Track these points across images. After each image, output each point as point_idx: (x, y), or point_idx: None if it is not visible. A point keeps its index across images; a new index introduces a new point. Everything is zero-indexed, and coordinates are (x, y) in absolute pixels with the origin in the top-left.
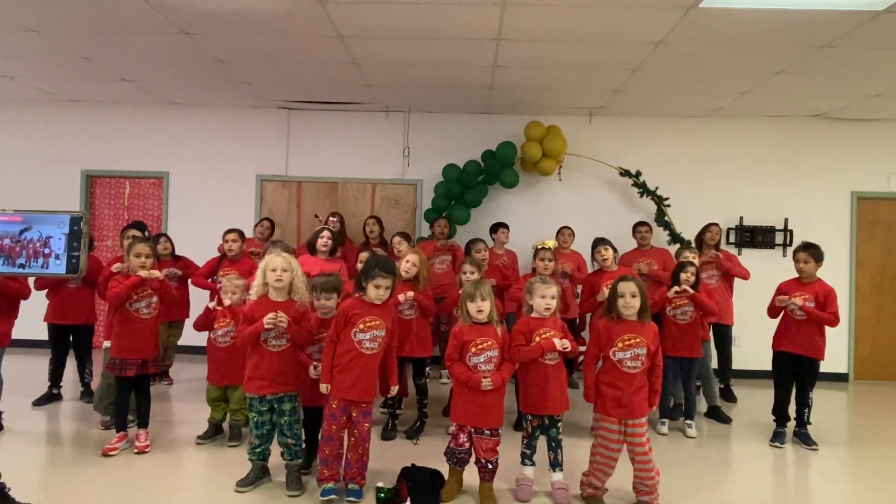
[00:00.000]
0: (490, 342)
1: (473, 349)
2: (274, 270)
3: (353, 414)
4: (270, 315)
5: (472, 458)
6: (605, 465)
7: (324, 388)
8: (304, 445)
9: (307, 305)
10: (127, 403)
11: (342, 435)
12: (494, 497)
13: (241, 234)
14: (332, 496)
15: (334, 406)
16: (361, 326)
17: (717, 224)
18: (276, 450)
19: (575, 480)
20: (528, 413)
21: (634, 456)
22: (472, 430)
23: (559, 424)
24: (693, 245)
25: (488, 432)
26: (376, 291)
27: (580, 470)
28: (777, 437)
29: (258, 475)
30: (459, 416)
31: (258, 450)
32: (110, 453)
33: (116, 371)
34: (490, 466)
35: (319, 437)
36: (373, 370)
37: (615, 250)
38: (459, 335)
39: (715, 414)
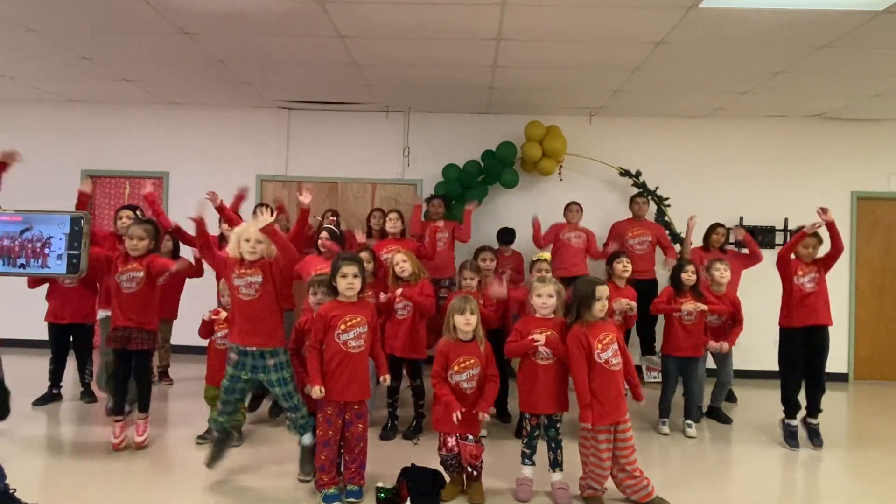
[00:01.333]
0: (473, 360)
1: (456, 367)
2: (248, 241)
3: (347, 416)
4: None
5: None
6: (601, 469)
7: (316, 391)
8: (307, 415)
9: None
10: (124, 384)
11: (338, 439)
12: (482, 493)
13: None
14: (337, 502)
15: (329, 412)
16: (343, 327)
17: (722, 224)
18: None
19: (575, 480)
20: (524, 412)
21: (626, 454)
22: (458, 435)
23: (558, 425)
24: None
25: (471, 438)
26: (344, 281)
27: (581, 469)
28: (792, 438)
29: (220, 446)
30: (441, 425)
31: (221, 418)
32: (120, 447)
33: (111, 342)
34: (476, 473)
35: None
36: (363, 368)
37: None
38: (445, 352)
39: (715, 414)
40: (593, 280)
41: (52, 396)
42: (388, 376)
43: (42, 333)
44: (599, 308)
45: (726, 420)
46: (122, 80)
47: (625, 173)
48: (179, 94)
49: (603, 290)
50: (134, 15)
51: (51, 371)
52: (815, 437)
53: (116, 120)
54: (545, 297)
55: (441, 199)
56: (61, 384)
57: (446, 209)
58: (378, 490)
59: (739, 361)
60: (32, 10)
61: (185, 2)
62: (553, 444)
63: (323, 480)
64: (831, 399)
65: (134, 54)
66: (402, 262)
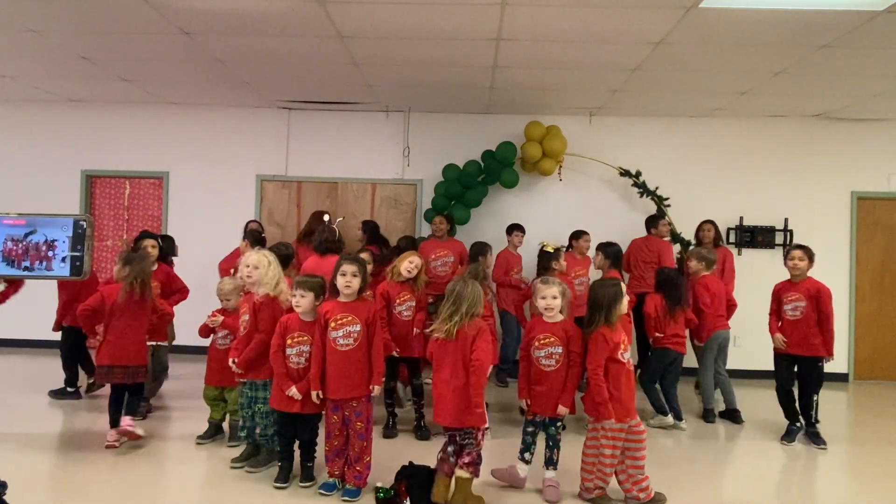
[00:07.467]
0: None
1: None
2: (247, 266)
3: (346, 413)
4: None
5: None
6: (611, 466)
7: (314, 395)
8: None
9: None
10: (120, 404)
11: (336, 432)
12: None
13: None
14: (325, 492)
15: (328, 405)
16: (333, 325)
17: (710, 221)
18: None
19: (570, 478)
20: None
21: (637, 452)
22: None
23: (558, 423)
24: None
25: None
26: (343, 279)
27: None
28: (788, 435)
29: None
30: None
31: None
32: (116, 446)
33: (103, 379)
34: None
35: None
36: (352, 366)
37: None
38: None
39: (731, 415)
40: (612, 281)
41: (67, 393)
42: (377, 386)
43: (43, 333)
44: (625, 305)
45: (739, 420)
46: (122, 80)
47: (625, 173)
48: (179, 94)
49: (624, 289)
50: (134, 15)
51: (66, 369)
52: (818, 441)
53: (116, 120)
54: (549, 299)
55: (444, 216)
56: (79, 384)
57: (450, 224)
58: (377, 490)
59: (740, 361)
60: (33, 11)
61: (185, 2)
62: (551, 443)
63: (328, 469)
64: (831, 399)
65: (134, 54)
66: (414, 265)
